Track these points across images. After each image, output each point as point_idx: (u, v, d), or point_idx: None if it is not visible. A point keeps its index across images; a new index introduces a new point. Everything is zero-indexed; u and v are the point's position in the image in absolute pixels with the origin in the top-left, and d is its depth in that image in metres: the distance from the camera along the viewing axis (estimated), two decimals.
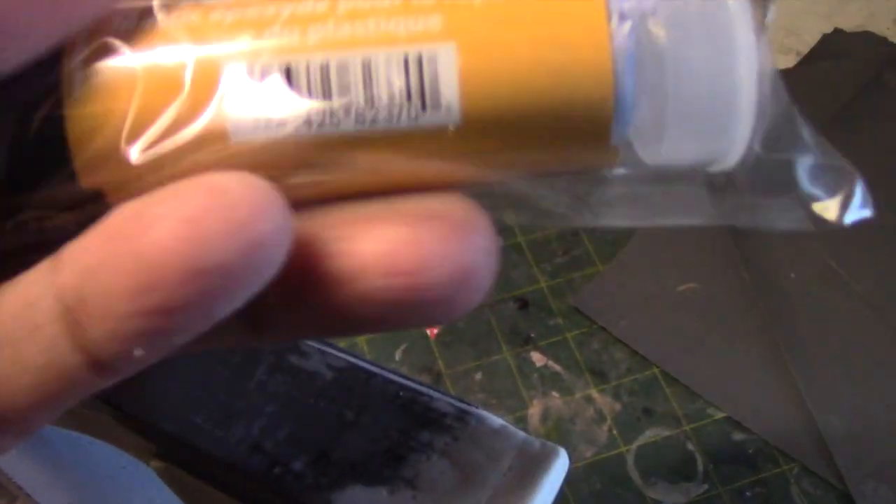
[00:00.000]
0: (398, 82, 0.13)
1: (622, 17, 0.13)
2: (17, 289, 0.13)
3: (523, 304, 0.54)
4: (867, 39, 0.64)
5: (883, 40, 0.64)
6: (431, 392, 0.23)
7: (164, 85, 0.13)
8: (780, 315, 0.51)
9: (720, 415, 0.49)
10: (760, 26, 0.14)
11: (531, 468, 0.21)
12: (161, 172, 0.13)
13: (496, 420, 0.22)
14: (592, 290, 0.53)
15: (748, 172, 0.14)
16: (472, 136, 0.14)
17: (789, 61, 0.63)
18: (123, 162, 0.13)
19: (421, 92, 0.13)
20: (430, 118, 0.13)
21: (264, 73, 0.13)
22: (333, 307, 0.13)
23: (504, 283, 0.54)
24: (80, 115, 0.13)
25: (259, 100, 0.13)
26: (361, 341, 0.52)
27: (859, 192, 0.14)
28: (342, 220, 0.13)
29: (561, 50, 0.13)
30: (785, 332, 0.50)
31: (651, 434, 0.49)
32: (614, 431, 0.50)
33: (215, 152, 0.13)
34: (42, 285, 0.13)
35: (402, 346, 0.52)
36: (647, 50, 0.13)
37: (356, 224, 0.13)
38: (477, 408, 0.23)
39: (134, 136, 0.13)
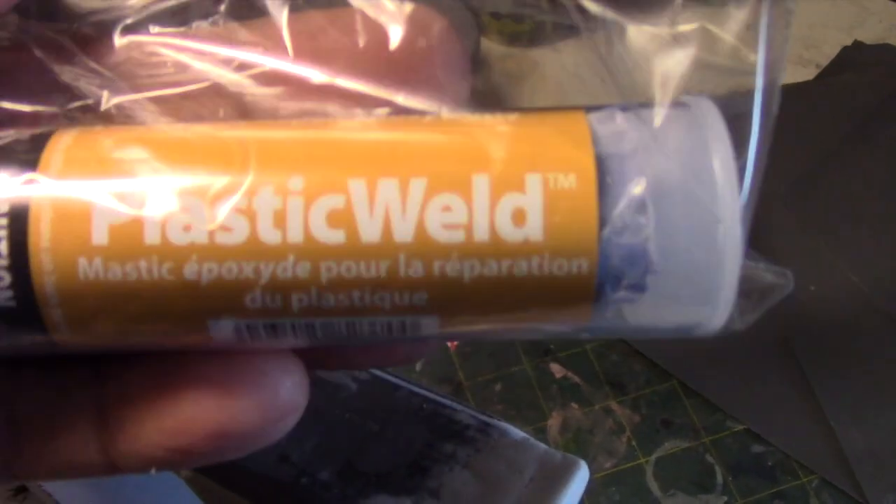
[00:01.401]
0: (381, 332, 0.14)
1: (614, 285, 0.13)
2: (55, 380, 0.15)
3: None
4: (888, 52, 0.64)
5: None
6: (454, 404, 0.23)
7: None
8: (800, 328, 0.51)
9: (739, 427, 0.49)
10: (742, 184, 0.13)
11: (552, 479, 0.22)
12: None
13: (518, 432, 0.22)
14: None
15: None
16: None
17: (809, 74, 0.63)
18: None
19: (403, 334, 0.14)
20: (409, 337, 0.14)
21: (251, 328, 0.14)
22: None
23: None
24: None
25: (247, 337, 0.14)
26: None
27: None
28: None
29: (548, 307, 0.14)
30: (805, 345, 0.50)
31: (670, 446, 0.50)
32: (633, 443, 0.50)
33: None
34: (82, 387, 0.15)
35: (423, 358, 0.53)
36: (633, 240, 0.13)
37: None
38: (499, 420, 0.23)
39: None
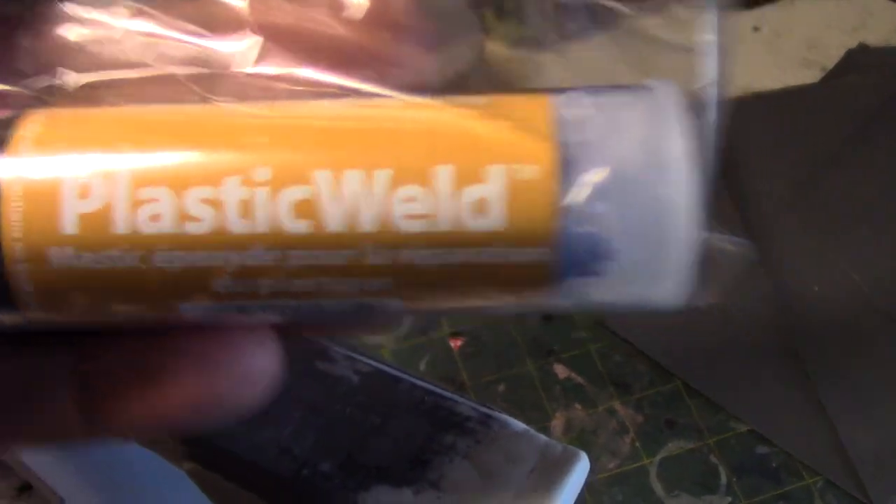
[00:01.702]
0: (349, 311, 0.14)
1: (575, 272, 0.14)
2: (34, 355, 0.15)
3: (547, 316, 0.54)
4: (892, 54, 0.64)
5: None
6: (455, 397, 0.23)
7: None
8: (803, 328, 0.51)
9: (743, 428, 0.49)
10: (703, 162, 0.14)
11: (553, 471, 0.22)
12: None
13: (519, 424, 0.23)
14: None
15: None
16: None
17: (813, 76, 0.63)
18: None
19: (370, 315, 0.14)
20: (377, 314, 0.14)
21: (221, 309, 0.14)
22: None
23: None
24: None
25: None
26: (386, 352, 0.53)
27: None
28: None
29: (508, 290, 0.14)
30: (808, 345, 0.50)
31: (674, 446, 0.50)
32: (637, 443, 0.50)
33: None
34: (61, 359, 0.15)
35: (426, 358, 0.53)
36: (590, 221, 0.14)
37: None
38: (500, 412, 0.23)
39: None
